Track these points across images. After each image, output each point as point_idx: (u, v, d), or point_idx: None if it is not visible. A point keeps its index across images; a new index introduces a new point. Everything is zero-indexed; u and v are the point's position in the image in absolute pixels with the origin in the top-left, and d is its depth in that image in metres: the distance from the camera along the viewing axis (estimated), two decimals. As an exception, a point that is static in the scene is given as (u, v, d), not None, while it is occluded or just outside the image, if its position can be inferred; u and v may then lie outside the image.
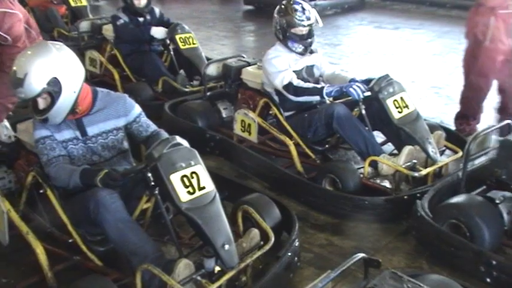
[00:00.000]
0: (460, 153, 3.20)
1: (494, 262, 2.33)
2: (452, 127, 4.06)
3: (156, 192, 2.25)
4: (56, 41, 2.92)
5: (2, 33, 2.74)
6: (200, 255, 2.22)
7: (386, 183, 3.17)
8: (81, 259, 2.42)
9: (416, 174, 3.03)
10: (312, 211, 3.11)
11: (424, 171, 3.05)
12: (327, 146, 3.53)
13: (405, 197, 2.93)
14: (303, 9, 3.40)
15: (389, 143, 3.52)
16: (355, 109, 3.40)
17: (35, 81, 2.31)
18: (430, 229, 2.59)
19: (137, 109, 2.65)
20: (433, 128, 3.41)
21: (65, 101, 2.39)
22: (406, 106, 3.25)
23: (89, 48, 5.21)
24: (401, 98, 3.26)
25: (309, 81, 3.49)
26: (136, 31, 4.81)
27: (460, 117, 4.13)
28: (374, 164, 3.16)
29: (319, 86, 3.38)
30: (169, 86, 4.65)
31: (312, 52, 3.55)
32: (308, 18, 3.39)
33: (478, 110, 4.07)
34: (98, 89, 2.62)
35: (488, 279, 2.36)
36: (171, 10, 9.24)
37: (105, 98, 2.59)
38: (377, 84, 3.23)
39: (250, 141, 3.67)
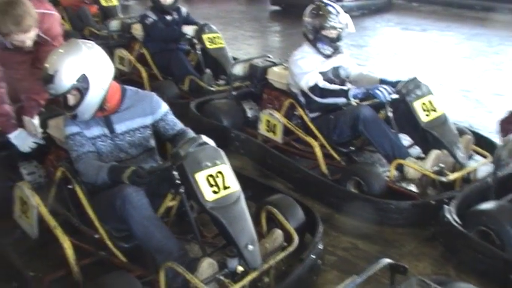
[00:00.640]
0: (489, 158, 3.13)
1: (524, 272, 2.27)
2: (481, 131, 3.95)
3: (181, 190, 2.27)
4: (86, 39, 2.98)
5: (41, 34, 2.81)
6: (223, 255, 2.22)
7: (413, 188, 3.12)
8: (107, 255, 2.45)
9: (443, 179, 2.97)
10: (336, 213, 3.09)
11: (452, 176, 2.99)
12: (352, 148, 3.50)
13: (432, 202, 2.88)
14: (337, 12, 3.39)
15: (416, 146, 3.47)
16: (381, 111, 3.37)
17: (65, 78, 2.36)
18: (458, 236, 2.54)
19: (164, 107, 2.68)
20: (461, 132, 3.35)
21: (94, 98, 2.43)
22: (434, 109, 3.20)
23: (118, 47, 5.28)
24: (429, 101, 3.21)
25: (335, 83, 3.48)
26: (165, 29, 4.87)
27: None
28: (400, 168, 3.12)
29: (345, 87, 3.36)
30: (196, 84, 4.69)
31: (338, 53, 3.52)
32: (341, 22, 3.37)
33: None
34: (127, 87, 2.65)
35: (517, 289, 2.30)
36: (198, 10, 9.29)
37: (133, 96, 2.62)
38: (404, 86, 3.19)
39: (275, 141, 3.66)
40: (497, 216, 2.48)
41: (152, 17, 4.90)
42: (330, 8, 3.40)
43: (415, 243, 2.80)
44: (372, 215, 2.93)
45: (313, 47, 3.47)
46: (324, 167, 3.36)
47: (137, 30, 5.25)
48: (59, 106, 3.21)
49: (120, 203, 2.26)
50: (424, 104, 3.17)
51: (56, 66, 2.36)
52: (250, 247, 2.17)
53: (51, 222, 2.44)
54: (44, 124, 2.97)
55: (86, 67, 2.39)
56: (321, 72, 3.42)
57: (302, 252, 2.41)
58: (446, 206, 2.68)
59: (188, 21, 5.01)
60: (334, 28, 3.37)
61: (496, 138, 3.19)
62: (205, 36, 4.79)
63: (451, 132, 3.15)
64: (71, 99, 2.44)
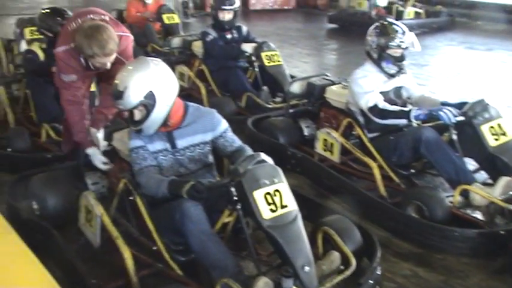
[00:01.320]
0: None
1: None
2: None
3: (238, 207, 2.28)
4: (149, 55, 3.08)
5: (117, 55, 2.96)
6: (278, 274, 2.19)
7: (478, 215, 2.96)
8: (164, 267, 2.48)
9: (514, 207, 2.81)
10: (394, 238, 2.99)
11: (523, 205, 2.82)
12: (412, 170, 3.39)
13: (502, 231, 2.72)
14: (403, 31, 3.33)
15: (482, 172, 3.30)
16: (445, 134, 3.24)
17: (133, 94, 2.45)
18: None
19: (224, 124, 2.71)
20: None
21: (159, 114, 2.50)
22: (504, 133, 3.05)
23: (179, 63, 5.44)
24: (498, 124, 3.08)
25: (396, 103, 3.40)
26: (224, 47, 4.97)
27: None
28: (465, 193, 2.98)
29: (406, 108, 3.28)
30: (253, 101, 4.73)
31: (402, 73, 3.45)
32: (406, 41, 3.31)
33: None
34: (189, 103, 2.71)
35: None
36: (256, 27, 9.43)
37: (195, 113, 2.67)
38: (471, 109, 3.07)
39: (331, 160, 3.61)
40: None
41: (212, 34, 5.02)
42: (395, 27, 3.35)
43: (482, 275, 2.65)
44: (434, 242, 2.81)
45: (376, 66, 3.42)
46: (382, 189, 3.27)
47: (197, 47, 5.40)
48: (124, 119, 3.35)
49: (178, 216, 2.30)
50: (492, 127, 3.04)
51: (125, 82, 2.45)
52: (307, 268, 2.14)
53: (113, 232, 2.51)
54: (109, 137, 3.09)
55: (153, 84, 2.46)
56: (382, 92, 3.36)
57: (359, 276, 2.33)
58: (517, 237, 2.53)
59: (248, 39, 5.09)
60: (400, 47, 3.32)
61: None
62: (263, 54, 4.86)
63: (523, 159, 2.99)
64: (137, 115, 2.52)
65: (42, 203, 2.99)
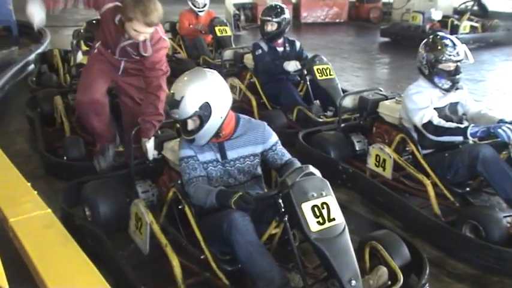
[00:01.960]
0: None
1: None
2: None
3: (286, 218, 2.27)
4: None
5: (151, 45, 3.05)
6: (324, 287, 2.17)
7: (538, 237, 2.81)
8: (211, 276, 2.50)
9: None
10: (448, 258, 2.88)
11: None
12: (468, 189, 3.25)
13: None
14: (454, 44, 3.23)
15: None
16: (504, 152, 3.10)
17: (189, 105, 2.49)
18: None
19: (274, 138, 2.72)
20: None
21: (212, 125, 2.54)
22: None
23: (231, 76, 5.51)
24: (562, 142, 2.89)
25: (451, 119, 3.29)
26: (269, 63, 4.98)
27: None
28: (524, 214, 2.83)
29: (462, 125, 3.16)
30: (304, 115, 4.71)
31: (457, 88, 3.34)
32: (458, 54, 3.22)
33: None
34: (241, 115, 2.74)
35: None
36: (307, 41, 9.44)
37: (246, 125, 2.70)
38: (531, 127, 2.92)
39: (384, 177, 3.53)
40: None
41: (263, 47, 5.05)
42: (445, 41, 3.25)
43: (541, 299, 2.51)
44: (490, 264, 2.68)
45: (429, 82, 3.33)
46: (436, 207, 3.16)
47: (249, 60, 5.46)
48: (174, 129, 3.43)
49: (226, 226, 2.32)
50: (554, 146, 2.87)
51: (182, 92, 2.49)
52: (354, 282, 2.11)
53: (163, 240, 2.56)
54: (159, 146, 3.17)
55: (209, 95, 2.50)
56: (437, 108, 3.26)
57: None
58: None
59: (299, 55, 5.08)
60: (451, 61, 3.21)
61: None
62: (315, 68, 4.83)
63: None
64: (191, 125, 2.56)
65: (94, 209, 3.07)
